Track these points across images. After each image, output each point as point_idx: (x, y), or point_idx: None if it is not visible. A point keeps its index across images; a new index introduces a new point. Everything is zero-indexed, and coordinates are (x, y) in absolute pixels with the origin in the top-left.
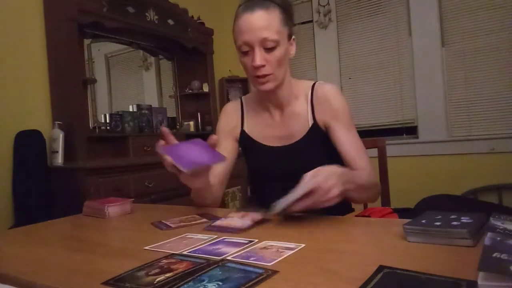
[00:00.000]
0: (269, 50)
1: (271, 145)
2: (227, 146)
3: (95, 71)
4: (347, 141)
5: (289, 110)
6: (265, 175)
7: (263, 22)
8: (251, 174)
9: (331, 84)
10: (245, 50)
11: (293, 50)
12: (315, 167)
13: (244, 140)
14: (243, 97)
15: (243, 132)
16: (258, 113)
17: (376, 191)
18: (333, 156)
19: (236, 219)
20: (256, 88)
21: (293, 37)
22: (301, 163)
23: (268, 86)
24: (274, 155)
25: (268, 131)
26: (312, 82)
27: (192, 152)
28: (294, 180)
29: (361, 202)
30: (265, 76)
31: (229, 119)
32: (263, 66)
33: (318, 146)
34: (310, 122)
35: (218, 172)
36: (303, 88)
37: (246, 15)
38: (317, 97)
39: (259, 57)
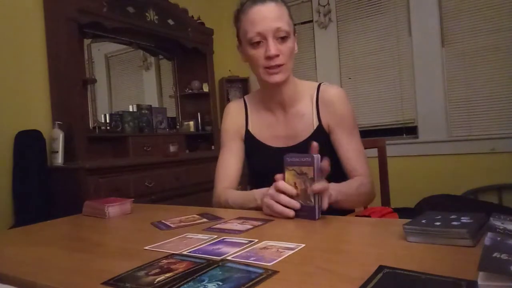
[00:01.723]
0: (282, 40)
1: (275, 145)
2: (236, 147)
3: (95, 71)
4: (348, 147)
5: (293, 110)
6: (268, 175)
7: (275, 13)
8: (253, 174)
9: (337, 87)
10: (257, 41)
11: (296, 46)
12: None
13: (248, 140)
14: (245, 97)
15: (247, 132)
16: (261, 112)
17: (367, 199)
18: (333, 158)
19: (236, 224)
20: (265, 81)
21: (295, 34)
22: None
23: (280, 77)
24: (278, 156)
25: (272, 131)
26: (318, 83)
27: None
28: None
29: (353, 208)
30: (277, 66)
31: (234, 118)
32: (277, 56)
33: (322, 148)
34: (316, 124)
35: (235, 175)
36: (308, 88)
37: (258, 6)
38: (323, 99)
39: (274, 46)
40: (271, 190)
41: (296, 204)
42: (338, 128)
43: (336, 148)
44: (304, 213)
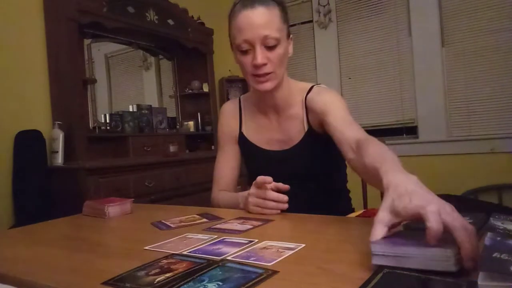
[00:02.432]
0: (270, 48)
1: (269, 149)
2: (231, 149)
3: (95, 71)
4: (341, 124)
5: (286, 113)
6: None
7: (264, 19)
8: (250, 176)
9: (323, 86)
10: (245, 49)
11: (291, 49)
12: (313, 171)
13: (243, 143)
14: (241, 97)
15: (241, 135)
16: (255, 115)
17: None
18: (330, 159)
19: (236, 224)
20: (255, 88)
21: (290, 36)
22: (299, 168)
23: (268, 85)
24: (272, 159)
25: (266, 134)
26: (310, 85)
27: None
28: (292, 184)
29: None
30: (265, 74)
31: (229, 121)
32: (265, 64)
33: (315, 150)
34: (306, 126)
35: (230, 177)
36: (300, 91)
37: (246, 12)
38: (309, 100)
39: (261, 55)
40: (252, 189)
41: (284, 197)
42: (327, 116)
43: (330, 134)
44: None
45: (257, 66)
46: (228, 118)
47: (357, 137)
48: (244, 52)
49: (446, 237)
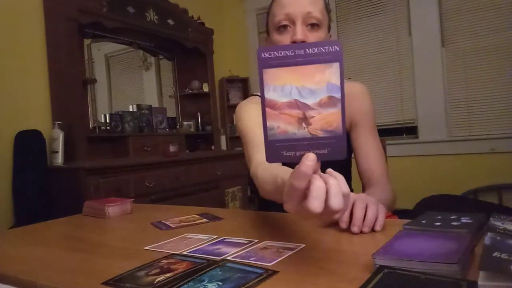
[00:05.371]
0: (311, 27)
1: None
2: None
3: (95, 71)
4: (367, 145)
5: None
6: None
7: None
8: None
9: (361, 83)
10: (284, 24)
11: None
12: (330, 165)
13: None
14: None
15: None
16: None
17: (394, 205)
18: (349, 156)
19: None
20: None
21: (330, 33)
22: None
23: None
24: None
25: None
26: None
27: None
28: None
29: None
30: None
31: (254, 109)
32: (304, 42)
33: None
34: None
35: None
36: None
37: None
38: (346, 93)
39: (301, 31)
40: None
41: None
42: (359, 125)
43: (354, 146)
44: (323, 149)
45: (295, 43)
46: (253, 107)
47: (374, 173)
48: (283, 30)
49: (450, 243)
